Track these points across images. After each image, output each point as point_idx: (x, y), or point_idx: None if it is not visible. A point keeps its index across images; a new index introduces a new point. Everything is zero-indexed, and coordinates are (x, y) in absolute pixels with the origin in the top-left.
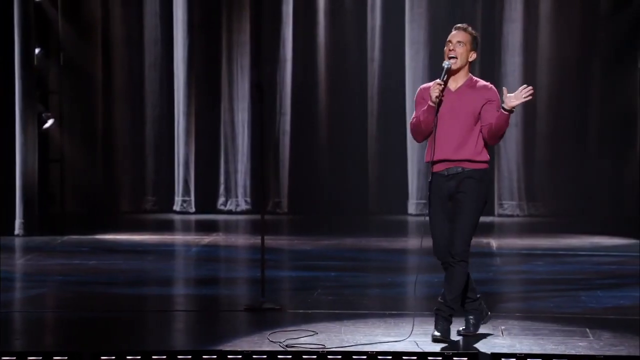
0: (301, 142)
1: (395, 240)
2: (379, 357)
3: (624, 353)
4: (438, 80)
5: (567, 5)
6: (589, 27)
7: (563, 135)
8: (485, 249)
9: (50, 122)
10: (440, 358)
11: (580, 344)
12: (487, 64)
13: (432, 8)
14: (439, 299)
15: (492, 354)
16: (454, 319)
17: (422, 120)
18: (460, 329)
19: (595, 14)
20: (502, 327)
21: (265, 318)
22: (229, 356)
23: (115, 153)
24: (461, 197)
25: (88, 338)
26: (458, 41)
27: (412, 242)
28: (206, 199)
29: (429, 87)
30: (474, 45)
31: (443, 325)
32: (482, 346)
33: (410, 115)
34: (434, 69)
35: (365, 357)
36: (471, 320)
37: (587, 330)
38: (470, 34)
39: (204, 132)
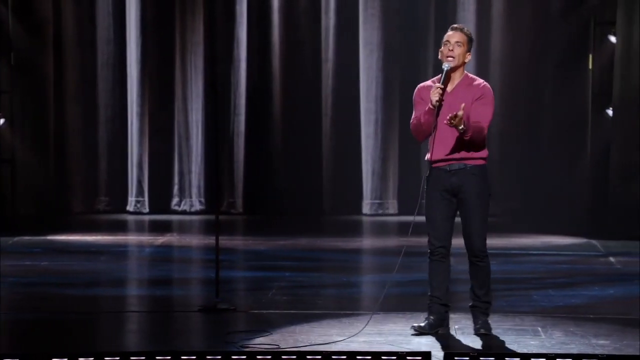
0: (255, 142)
1: (349, 240)
2: (333, 356)
3: (574, 351)
4: (438, 85)
5: (519, 6)
6: (540, 28)
7: (515, 135)
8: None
9: (1, 121)
10: (395, 357)
11: (532, 342)
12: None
13: (386, 9)
14: (471, 296)
15: (445, 353)
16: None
17: (423, 123)
18: (415, 324)
19: (547, 14)
20: (456, 327)
21: (219, 318)
22: (182, 357)
23: (67, 153)
24: (467, 197)
25: (40, 340)
26: (457, 41)
27: (367, 242)
28: (160, 199)
29: (427, 87)
30: (470, 46)
31: (483, 319)
32: (435, 345)
33: (366, 116)
34: (388, 69)
35: (319, 357)
36: (430, 319)
37: (539, 329)
38: (467, 35)
39: (158, 132)
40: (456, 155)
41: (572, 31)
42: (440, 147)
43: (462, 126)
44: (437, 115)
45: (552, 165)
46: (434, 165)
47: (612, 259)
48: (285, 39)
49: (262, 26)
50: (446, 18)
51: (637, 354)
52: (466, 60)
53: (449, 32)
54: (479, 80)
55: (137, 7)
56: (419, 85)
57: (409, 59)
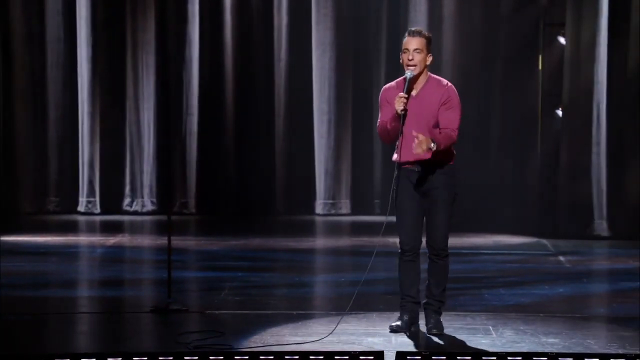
0: (208, 142)
1: (302, 240)
2: (286, 357)
3: (525, 350)
4: (402, 94)
5: (470, 6)
6: (491, 29)
7: (466, 135)
8: (392, 249)
9: None
10: (347, 357)
11: (483, 341)
12: (393, 66)
13: (338, 9)
14: (426, 294)
15: (397, 352)
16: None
17: (390, 130)
18: (393, 324)
19: (497, 15)
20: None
21: (171, 319)
22: (134, 358)
23: (17, 153)
24: (435, 193)
25: None
26: (415, 49)
27: (320, 242)
28: (111, 200)
29: (392, 88)
30: (429, 48)
31: (435, 318)
32: (387, 344)
33: (319, 116)
34: (341, 69)
35: (272, 357)
36: (405, 318)
37: (490, 327)
38: (425, 37)
39: (109, 132)
40: (422, 157)
41: (521, 32)
42: (407, 151)
43: (432, 145)
44: (403, 121)
45: (502, 165)
46: (402, 166)
47: (561, 258)
48: (238, 39)
49: (214, 26)
50: (398, 18)
51: (586, 351)
52: (428, 63)
53: (407, 38)
54: (443, 82)
55: (88, 6)
56: (384, 87)
57: (361, 59)
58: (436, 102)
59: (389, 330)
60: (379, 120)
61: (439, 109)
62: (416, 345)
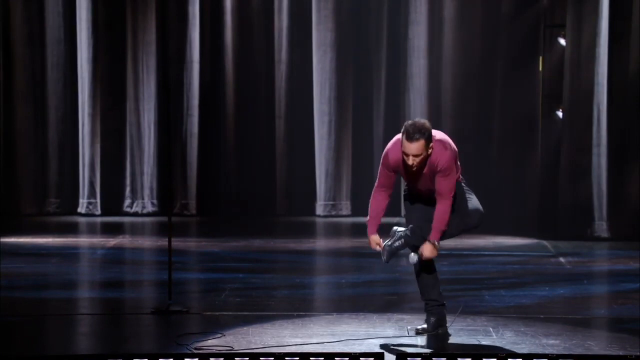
0: (208, 143)
1: (302, 241)
2: (286, 358)
3: (525, 351)
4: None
5: (471, 7)
6: (491, 30)
7: (466, 136)
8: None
9: None
10: (347, 359)
11: (483, 342)
12: (393, 66)
13: (338, 10)
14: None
15: (397, 353)
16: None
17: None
18: (418, 327)
19: (497, 16)
20: (408, 327)
21: (172, 320)
22: (134, 359)
23: (17, 154)
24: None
25: None
26: (414, 155)
27: (320, 244)
28: (112, 201)
29: (398, 156)
30: (428, 143)
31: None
32: (388, 346)
33: (319, 117)
34: (341, 70)
35: (272, 358)
36: (431, 320)
37: (491, 329)
38: (424, 139)
39: (110, 133)
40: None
41: (522, 33)
42: (416, 195)
43: (436, 244)
44: (409, 175)
45: (502, 166)
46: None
47: (562, 259)
48: (238, 40)
49: (215, 27)
50: (398, 19)
51: (587, 353)
52: (430, 153)
53: (405, 141)
54: (435, 154)
55: (88, 7)
56: (390, 149)
57: (362, 60)
58: (435, 169)
59: (414, 333)
60: (377, 181)
61: (436, 173)
62: (416, 347)
